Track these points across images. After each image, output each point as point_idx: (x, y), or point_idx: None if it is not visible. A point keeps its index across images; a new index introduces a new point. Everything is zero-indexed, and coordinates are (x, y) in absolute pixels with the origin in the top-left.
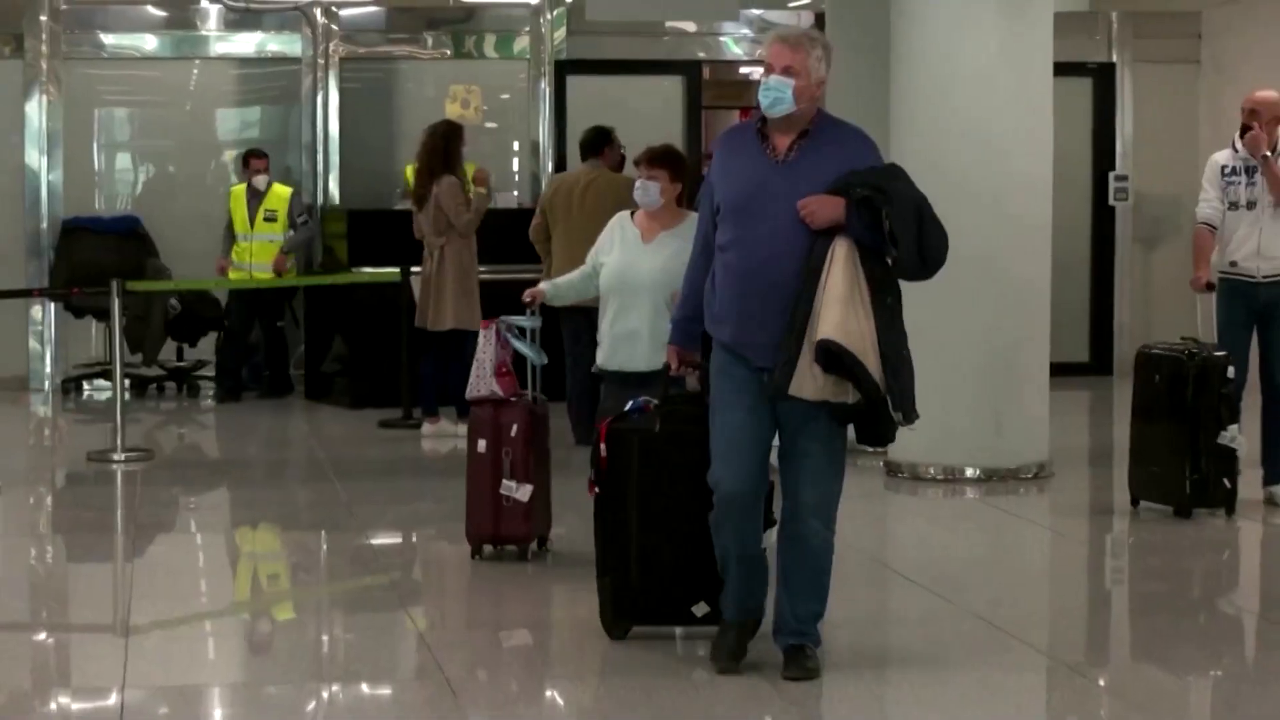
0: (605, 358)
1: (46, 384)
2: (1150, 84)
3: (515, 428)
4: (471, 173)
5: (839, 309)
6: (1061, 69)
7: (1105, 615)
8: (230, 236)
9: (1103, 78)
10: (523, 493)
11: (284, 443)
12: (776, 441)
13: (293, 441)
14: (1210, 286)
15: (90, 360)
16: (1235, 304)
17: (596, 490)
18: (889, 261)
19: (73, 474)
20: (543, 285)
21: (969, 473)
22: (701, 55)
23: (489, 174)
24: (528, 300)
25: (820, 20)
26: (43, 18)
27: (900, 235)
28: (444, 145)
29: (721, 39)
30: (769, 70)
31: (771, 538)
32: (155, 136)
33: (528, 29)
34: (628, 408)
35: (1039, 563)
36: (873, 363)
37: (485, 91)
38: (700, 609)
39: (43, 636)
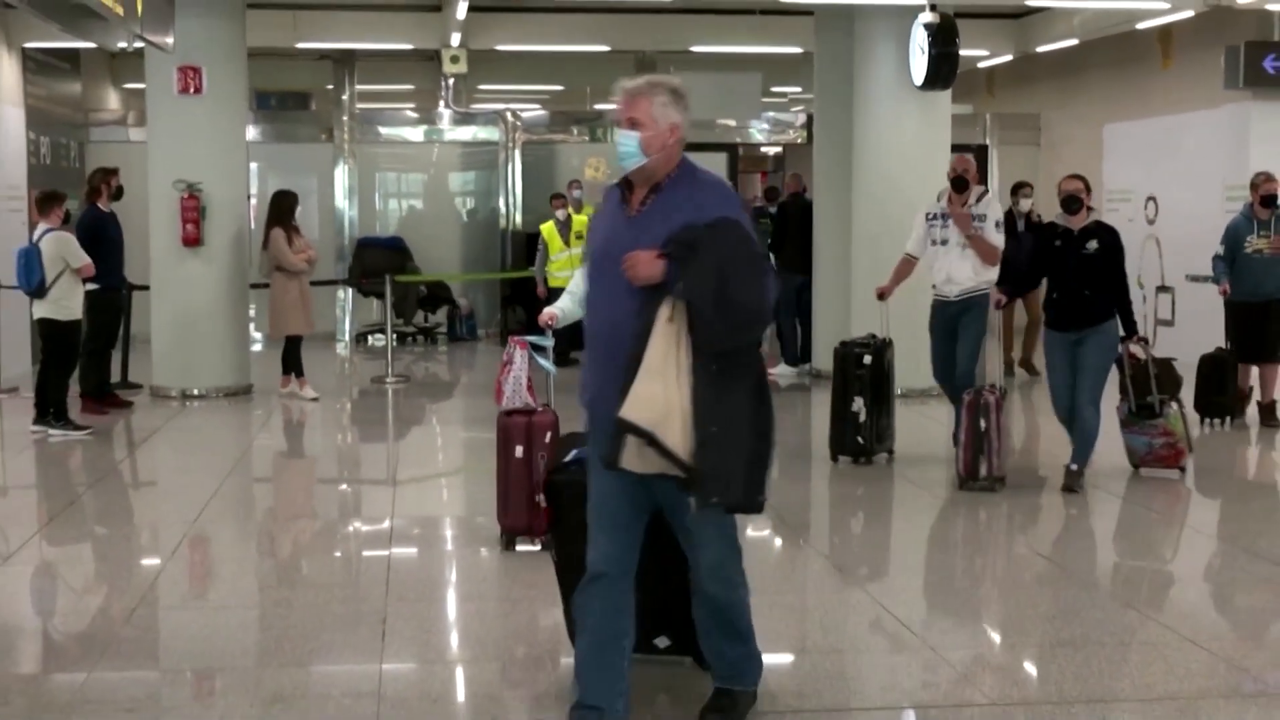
0: None
1: (346, 337)
2: (1009, 158)
3: (548, 435)
4: None
5: (644, 380)
6: (956, 148)
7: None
8: (545, 257)
9: (980, 154)
10: None
11: (490, 370)
12: None
13: (494, 370)
14: (882, 296)
15: (372, 322)
16: (936, 317)
17: (544, 537)
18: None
19: (362, 391)
20: (553, 309)
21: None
22: (737, 140)
23: None
24: (548, 322)
25: (811, 120)
26: (345, 118)
27: (693, 298)
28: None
29: (750, 129)
30: (618, 124)
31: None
32: (411, 189)
33: None
34: (567, 459)
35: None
36: (676, 436)
37: (609, 161)
38: (662, 641)
39: (344, 486)
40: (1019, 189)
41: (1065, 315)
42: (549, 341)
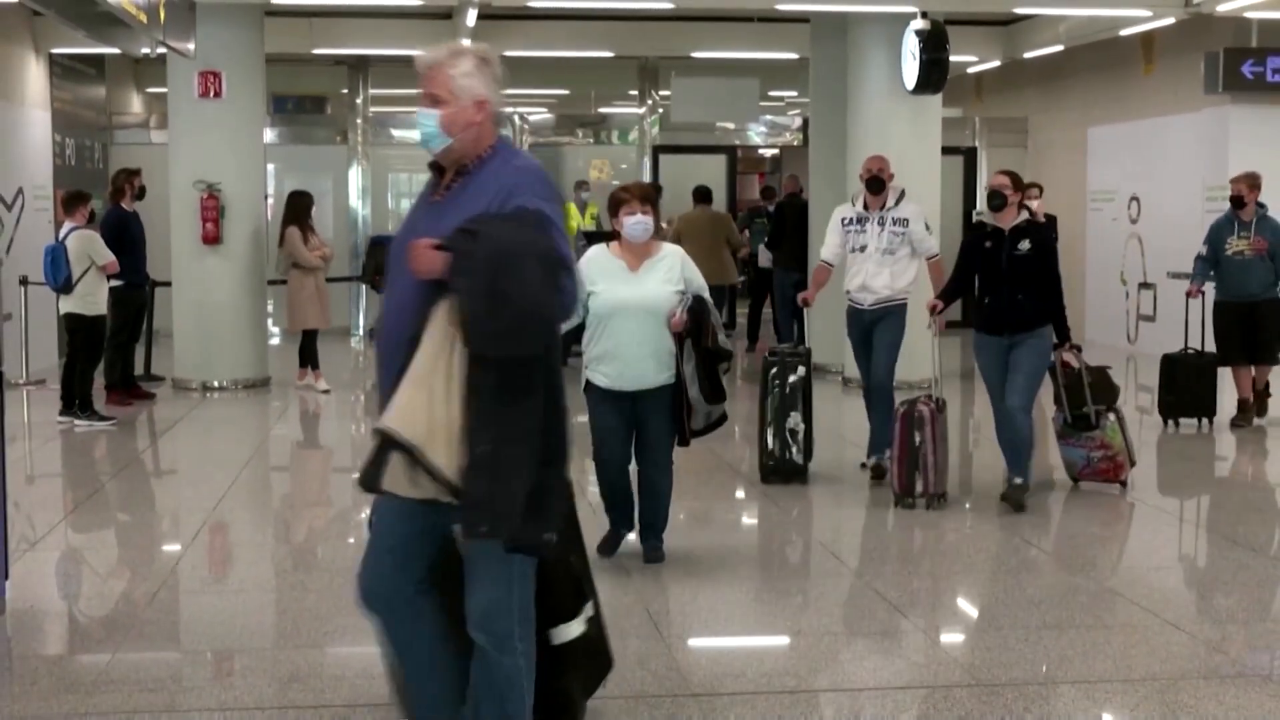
0: (613, 379)
1: (360, 331)
2: (997, 159)
3: None
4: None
5: (409, 388)
6: (946, 150)
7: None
8: None
9: (970, 156)
10: None
11: None
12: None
13: None
14: (807, 303)
15: None
16: (851, 324)
17: None
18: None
19: (375, 383)
20: None
21: None
22: (736, 142)
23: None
24: None
25: (807, 123)
26: (359, 121)
27: (461, 292)
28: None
29: (748, 131)
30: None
31: (571, 632)
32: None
33: (637, 127)
34: None
35: None
36: (443, 456)
37: (612, 163)
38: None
39: (358, 475)
40: (1026, 189)
41: (998, 319)
42: None
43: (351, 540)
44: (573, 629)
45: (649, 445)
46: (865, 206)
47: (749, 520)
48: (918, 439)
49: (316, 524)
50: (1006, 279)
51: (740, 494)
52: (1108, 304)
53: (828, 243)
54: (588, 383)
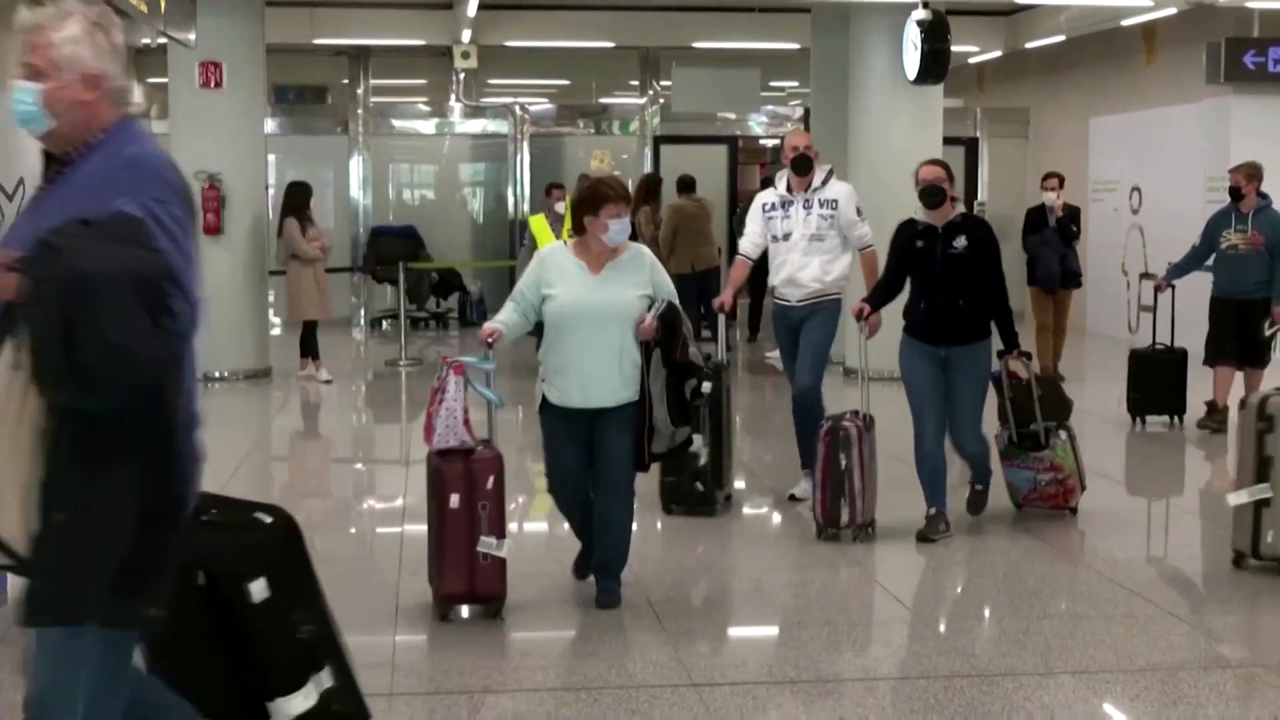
0: (568, 396)
1: (361, 322)
2: (998, 150)
3: (491, 480)
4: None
5: None
6: (947, 140)
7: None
8: (531, 252)
9: (971, 146)
10: (502, 549)
11: (499, 352)
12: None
13: (506, 351)
14: (723, 308)
15: (386, 308)
16: (779, 322)
17: None
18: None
19: (376, 373)
20: (494, 323)
21: None
22: (737, 132)
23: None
24: (489, 340)
25: (808, 114)
26: (360, 111)
27: (33, 329)
28: (648, 187)
29: (749, 122)
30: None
31: (293, 706)
32: (423, 180)
33: (638, 117)
34: None
35: None
36: (14, 519)
37: (613, 153)
38: None
39: (359, 466)
40: (1046, 179)
41: (933, 327)
42: (490, 365)
43: (353, 530)
44: (296, 703)
45: (606, 470)
46: (789, 189)
47: (749, 511)
48: (843, 461)
49: (317, 515)
50: (942, 282)
51: (740, 484)
52: (1108, 295)
53: (747, 233)
54: (543, 400)
